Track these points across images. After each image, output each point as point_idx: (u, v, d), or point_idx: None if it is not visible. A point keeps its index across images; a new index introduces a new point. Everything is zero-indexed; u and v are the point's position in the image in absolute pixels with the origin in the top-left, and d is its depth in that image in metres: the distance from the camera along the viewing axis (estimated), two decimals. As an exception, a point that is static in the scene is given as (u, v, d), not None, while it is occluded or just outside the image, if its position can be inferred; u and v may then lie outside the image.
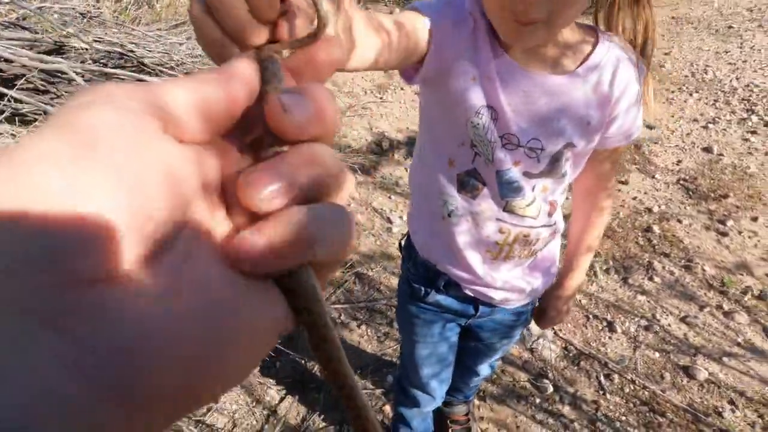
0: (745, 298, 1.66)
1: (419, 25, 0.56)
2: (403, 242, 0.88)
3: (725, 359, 1.45)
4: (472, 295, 0.79)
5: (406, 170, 2.18)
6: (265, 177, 0.16)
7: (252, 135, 0.18)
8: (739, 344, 1.50)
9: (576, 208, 0.83)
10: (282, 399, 1.33)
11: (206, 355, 0.14)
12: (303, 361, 1.42)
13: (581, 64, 0.63)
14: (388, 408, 1.33)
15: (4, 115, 1.60)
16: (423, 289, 0.82)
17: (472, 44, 0.61)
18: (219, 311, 0.14)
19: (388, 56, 0.50)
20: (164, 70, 2.11)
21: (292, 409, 1.31)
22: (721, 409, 1.31)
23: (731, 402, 1.33)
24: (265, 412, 1.30)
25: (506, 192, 0.68)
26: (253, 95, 0.17)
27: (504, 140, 0.64)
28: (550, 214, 0.72)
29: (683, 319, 1.59)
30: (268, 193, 0.16)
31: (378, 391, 1.36)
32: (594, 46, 0.64)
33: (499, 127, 0.63)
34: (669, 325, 1.58)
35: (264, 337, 0.16)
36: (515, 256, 0.74)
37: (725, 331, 1.55)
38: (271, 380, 1.37)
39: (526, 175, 0.67)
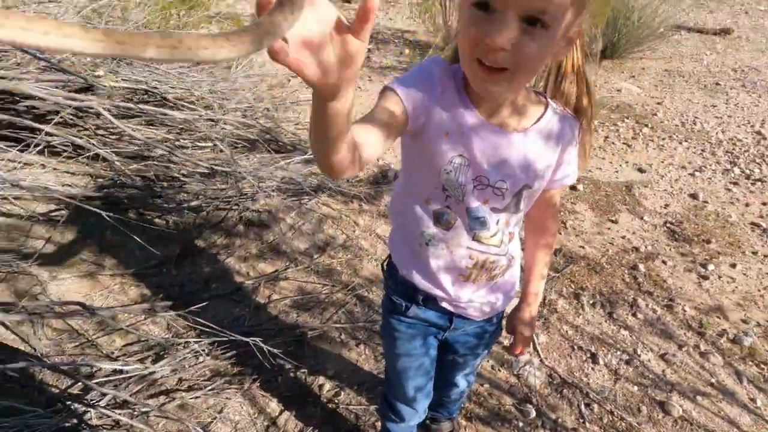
0: (721, 341, 1.76)
1: (394, 103, 0.69)
2: (385, 263, 0.99)
3: (698, 398, 1.54)
4: (448, 308, 0.91)
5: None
6: None
7: None
8: (712, 384, 1.59)
9: (528, 241, 0.97)
10: (282, 411, 1.41)
11: None
12: (303, 377, 1.50)
13: (534, 123, 0.76)
14: (379, 425, 1.40)
15: (38, 148, 1.72)
16: (404, 303, 0.93)
17: (444, 105, 0.73)
18: None
19: (387, 139, 0.65)
20: (185, 104, 2.25)
21: (290, 421, 1.38)
22: (691, 444, 1.40)
23: (702, 437, 1.42)
24: (265, 423, 1.37)
25: (474, 225, 0.81)
26: None
27: (476, 182, 0.77)
28: (508, 243, 0.86)
29: (662, 356, 1.69)
30: None
31: (372, 408, 1.44)
32: (544, 109, 0.77)
33: (472, 170, 0.76)
34: (649, 360, 1.67)
35: None
36: (480, 279, 0.87)
37: (700, 371, 1.64)
38: (272, 393, 1.44)
39: (493, 210, 0.80)
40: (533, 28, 0.60)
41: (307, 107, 3.11)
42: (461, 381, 1.12)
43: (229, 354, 1.47)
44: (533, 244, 0.96)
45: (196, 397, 1.37)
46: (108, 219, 1.61)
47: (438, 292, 0.88)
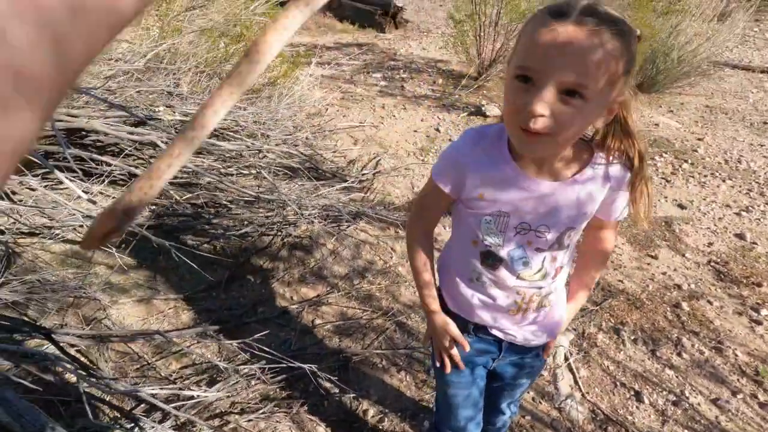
0: (778, 388, 1.69)
1: (438, 192, 0.87)
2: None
3: (753, 444, 1.48)
4: (498, 335, 0.95)
5: (444, 227, 2.33)
6: None
7: None
8: (768, 431, 1.53)
9: (575, 271, 1.00)
10: (327, 435, 1.43)
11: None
12: (348, 402, 1.53)
13: (577, 173, 0.80)
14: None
15: (101, 180, 1.87)
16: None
17: (477, 167, 0.82)
18: None
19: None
20: (230, 134, 2.43)
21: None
22: (747, 492, 1.34)
23: (757, 486, 1.36)
24: (309, 445, 1.40)
25: (517, 266, 0.86)
26: None
27: (518, 228, 0.83)
28: (554, 278, 0.89)
29: (714, 402, 1.63)
30: None
31: (413, 436, 1.44)
32: (589, 158, 0.81)
33: (513, 219, 0.82)
34: (699, 404, 1.62)
35: None
36: (527, 313, 0.91)
37: (761, 422, 1.57)
38: (320, 418, 1.47)
39: (538, 250, 0.85)
40: (571, 98, 0.66)
41: (344, 135, 3.24)
42: (506, 409, 1.14)
43: (278, 378, 1.52)
44: (578, 277, 1.00)
45: (249, 420, 1.42)
46: (165, 246, 1.72)
47: (490, 321, 0.93)
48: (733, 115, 4.08)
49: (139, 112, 2.37)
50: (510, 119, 0.72)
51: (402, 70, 4.47)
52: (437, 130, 3.43)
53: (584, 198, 0.81)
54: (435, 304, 0.96)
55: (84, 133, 2.31)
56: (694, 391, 1.67)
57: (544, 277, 0.88)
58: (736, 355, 1.82)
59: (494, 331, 0.94)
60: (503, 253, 0.85)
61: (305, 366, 1.39)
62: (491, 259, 0.87)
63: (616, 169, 0.81)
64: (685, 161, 3.27)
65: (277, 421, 1.42)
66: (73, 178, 2.03)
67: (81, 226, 1.93)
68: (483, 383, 1.04)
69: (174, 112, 2.46)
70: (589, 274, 0.98)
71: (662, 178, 3.07)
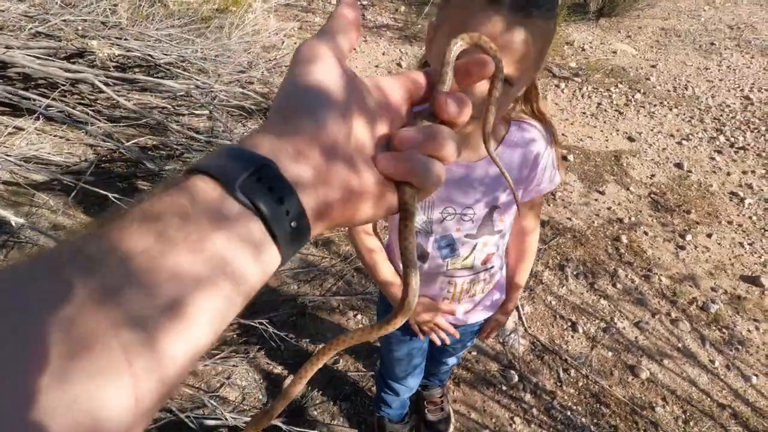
0: (691, 308, 1.91)
1: None
2: None
3: (665, 361, 1.70)
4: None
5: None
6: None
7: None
8: (678, 349, 1.75)
9: (509, 253, 1.04)
10: (285, 377, 1.54)
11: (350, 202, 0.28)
12: (304, 345, 1.62)
13: (499, 145, 0.82)
14: (375, 389, 1.54)
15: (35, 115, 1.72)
16: None
17: None
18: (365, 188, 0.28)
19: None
20: (178, 71, 2.24)
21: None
22: (654, 404, 1.56)
23: (663, 399, 1.58)
24: (270, 388, 1.51)
25: (446, 253, 0.88)
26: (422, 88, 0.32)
27: (443, 214, 0.83)
28: (484, 263, 0.92)
29: (636, 324, 1.83)
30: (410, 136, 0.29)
31: (369, 374, 1.57)
32: (507, 128, 0.83)
33: (437, 205, 0.82)
34: (624, 328, 1.82)
35: (381, 207, 0.29)
36: (463, 299, 0.96)
37: (669, 336, 1.79)
38: (276, 361, 1.57)
39: (468, 236, 0.86)
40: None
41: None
42: (451, 361, 1.25)
43: (234, 325, 1.58)
44: (512, 258, 1.03)
45: (205, 365, 1.49)
46: (108, 196, 1.66)
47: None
48: (685, 37, 4.11)
49: (69, 45, 2.14)
50: None
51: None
52: (399, 65, 3.30)
53: (509, 166, 0.82)
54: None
55: (7, 65, 2.09)
56: (621, 317, 1.86)
57: (472, 265, 0.90)
58: (661, 281, 2.02)
59: None
60: (431, 241, 0.86)
61: (256, 323, 1.44)
62: (420, 250, 0.88)
63: (533, 133, 0.84)
64: (638, 91, 3.32)
65: (234, 365, 1.51)
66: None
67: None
68: (426, 344, 1.12)
69: (111, 47, 2.24)
70: (522, 250, 1.01)
71: (616, 111, 3.13)
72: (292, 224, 0.24)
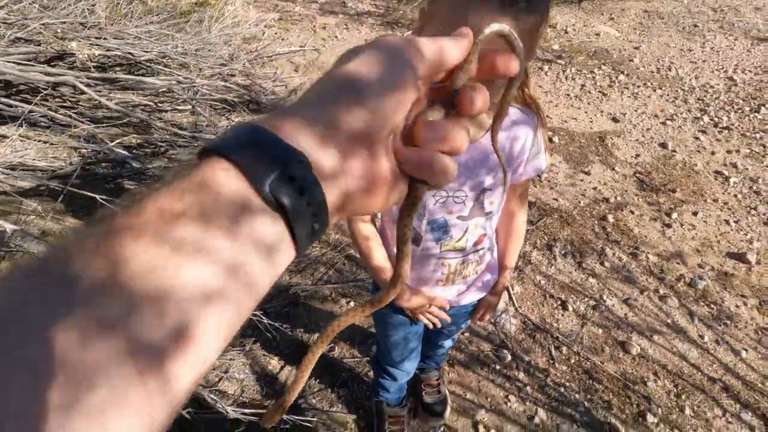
0: (678, 285, 1.94)
1: None
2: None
3: (655, 337, 1.73)
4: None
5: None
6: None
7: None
8: (667, 325, 1.78)
9: (498, 234, 1.05)
10: (282, 367, 1.55)
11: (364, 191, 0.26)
12: (299, 335, 1.63)
13: (487, 130, 0.82)
14: (371, 374, 1.56)
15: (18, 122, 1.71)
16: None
17: None
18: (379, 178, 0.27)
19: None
20: (158, 67, 2.22)
21: (292, 376, 1.53)
22: (646, 379, 1.60)
23: (655, 373, 1.62)
24: (269, 379, 1.52)
25: (439, 236, 0.89)
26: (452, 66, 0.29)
27: (436, 196, 0.84)
28: (476, 245, 0.93)
29: (625, 301, 1.87)
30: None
31: (364, 360, 1.59)
32: None
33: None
34: (613, 305, 1.85)
35: (392, 197, 0.28)
36: (456, 280, 0.97)
37: (658, 312, 1.83)
38: (273, 353, 1.58)
39: (460, 218, 0.87)
40: None
41: (284, 61, 3.06)
42: (447, 343, 1.26)
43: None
44: (501, 239, 1.04)
45: (203, 360, 1.49)
46: (96, 199, 1.65)
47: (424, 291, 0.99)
48: (668, 19, 4.14)
49: (48, 48, 2.12)
50: None
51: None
52: (379, 49, 3.29)
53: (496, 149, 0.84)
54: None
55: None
56: (610, 294, 1.89)
57: (464, 247, 0.91)
58: (648, 258, 2.05)
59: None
60: (423, 224, 0.88)
61: (250, 315, 1.45)
62: (412, 234, 0.89)
63: (521, 118, 0.85)
64: (622, 72, 3.35)
65: (231, 359, 1.51)
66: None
67: None
68: (421, 329, 1.14)
69: (91, 47, 2.21)
70: (511, 230, 1.02)
71: (600, 92, 3.16)
72: (315, 226, 0.23)
